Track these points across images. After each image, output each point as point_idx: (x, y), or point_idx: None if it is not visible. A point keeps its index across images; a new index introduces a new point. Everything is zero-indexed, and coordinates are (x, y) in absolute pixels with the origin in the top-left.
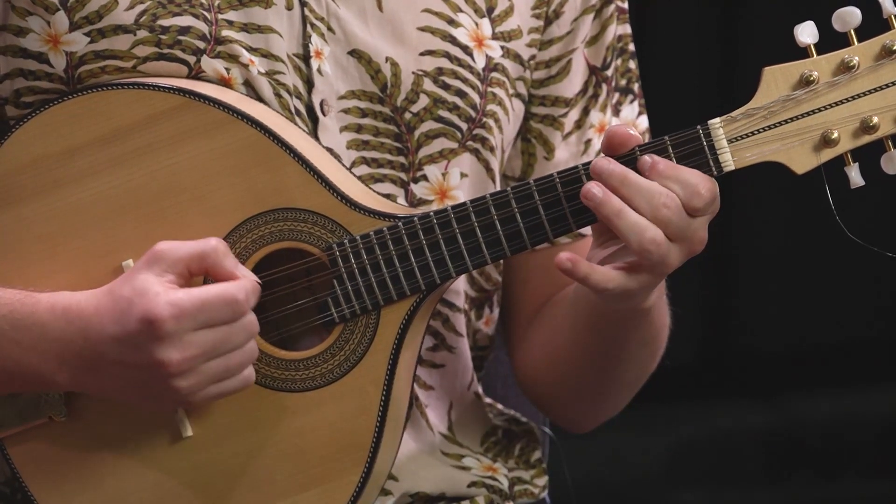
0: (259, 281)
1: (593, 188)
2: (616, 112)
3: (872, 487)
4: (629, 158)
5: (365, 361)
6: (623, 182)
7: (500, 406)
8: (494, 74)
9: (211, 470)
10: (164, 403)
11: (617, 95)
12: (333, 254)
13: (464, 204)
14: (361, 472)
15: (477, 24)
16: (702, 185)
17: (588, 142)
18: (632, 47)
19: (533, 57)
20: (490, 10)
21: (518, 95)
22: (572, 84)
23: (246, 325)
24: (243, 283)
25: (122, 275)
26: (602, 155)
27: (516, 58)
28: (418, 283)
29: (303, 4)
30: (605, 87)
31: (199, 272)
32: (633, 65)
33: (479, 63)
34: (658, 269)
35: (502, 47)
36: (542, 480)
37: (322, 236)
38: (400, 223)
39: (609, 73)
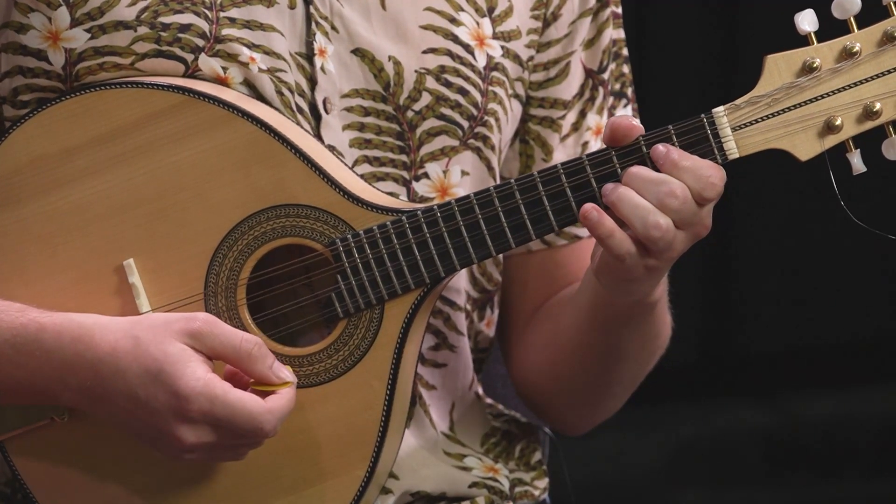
0: (295, 381)
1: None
2: (610, 115)
3: (872, 487)
4: (633, 148)
5: (369, 356)
6: (630, 176)
7: (500, 406)
8: (495, 73)
9: (215, 468)
10: (158, 451)
11: (611, 99)
12: (337, 249)
13: (467, 197)
14: (367, 467)
15: (478, 23)
16: (715, 175)
17: (585, 144)
18: (625, 52)
19: (531, 58)
20: (490, 9)
21: (517, 96)
22: (570, 86)
23: (262, 441)
24: (279, 411)
25: (149, 322)
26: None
27: (515, 58)
28: (422, 276)
29: (307, 3)
30: (601, 90)
31: (230, 362)
32: (626, 69)
33: (481, 62)
34: (665, 255)
35: (502, 47)
36: (543, 482)
37: (325, 232)
38: (403, 217)
39: (605, 76)
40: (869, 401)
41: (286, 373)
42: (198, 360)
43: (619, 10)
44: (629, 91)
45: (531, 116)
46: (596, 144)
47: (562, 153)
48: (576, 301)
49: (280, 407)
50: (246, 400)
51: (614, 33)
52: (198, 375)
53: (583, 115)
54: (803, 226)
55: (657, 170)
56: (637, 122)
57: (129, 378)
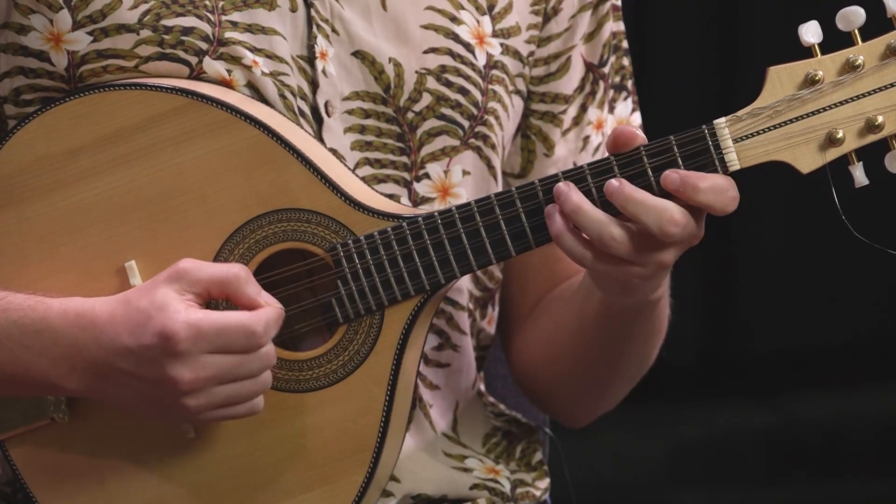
0: (283, 308)
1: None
2: (611, 109)
3: (872, 487)
4: (634, 158)
5: (369, 362)
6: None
7: (502, 406)
8: (495, 72)
9: (214, 471)
10: (170, 418)
11: (611, 92)
12: (338, 254)
13: (468, 204)
14: (366, 473)
15: (478, 22)
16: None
17: (586, 138)
18: (625, 44)
19: (532, 53)
20: (490, 7)
21: (518, 92)
22: (571, 81)
23: (262, 355)
24: (264, 314)
25: (140, 285)
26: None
27: (515, 55)
28: (423, 283)
29: (308, 5)
30: (602, 83)
31: (219, 296)
32: (626, 62)
33: (481, 60)
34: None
35: (502, 44)
36: (544, 483)
37: (326, 237)
38: (404, 223)
39: (606, 69)
40: (869, 401)
41: (273, 300)
42: (181, 300)
43: (619, 3)
44: (629, 84)
45: (532, 111)
46: (597, 139)
47: (563, 147)
48: (576, 298)
49: (266, 312)
50: (230, 312)
51: (614, 26)
52: (178, 309)
53: (584, 109)
54: (803, 226)
55: (661, 185)
56: (639, 132)
57: (125, 337)
